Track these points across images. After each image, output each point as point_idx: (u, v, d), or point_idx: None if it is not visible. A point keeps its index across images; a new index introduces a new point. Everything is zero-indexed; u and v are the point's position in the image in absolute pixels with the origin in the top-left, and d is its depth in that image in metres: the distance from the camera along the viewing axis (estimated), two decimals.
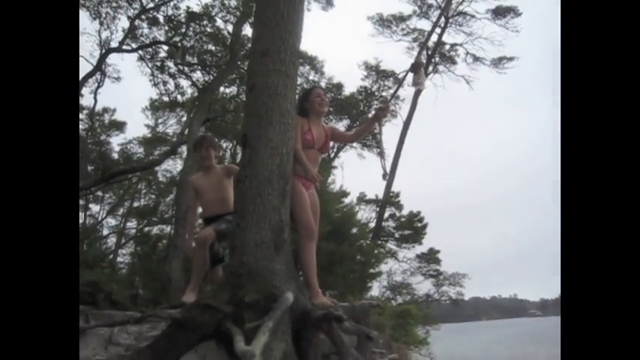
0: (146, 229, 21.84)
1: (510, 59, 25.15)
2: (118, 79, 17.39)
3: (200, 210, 5.34)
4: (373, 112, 4.61)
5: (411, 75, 4.66)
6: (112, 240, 24.28)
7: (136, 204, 25.13)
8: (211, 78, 15.95)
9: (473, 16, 24.81)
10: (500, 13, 24.43)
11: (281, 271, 3.45)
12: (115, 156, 23.07)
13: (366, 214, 21.61)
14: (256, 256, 3.43)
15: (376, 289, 21.67)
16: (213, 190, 4.87)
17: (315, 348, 3.58)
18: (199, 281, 4.64)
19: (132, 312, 4.29)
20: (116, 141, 25.01)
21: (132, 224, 24.71)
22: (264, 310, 3.16)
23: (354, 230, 12.06)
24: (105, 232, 25.22)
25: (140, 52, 15.74)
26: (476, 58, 25.17)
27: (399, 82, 4.35)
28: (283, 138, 3.74)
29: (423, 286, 25.32)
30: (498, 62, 25.22)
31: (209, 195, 4.90)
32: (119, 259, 22.63)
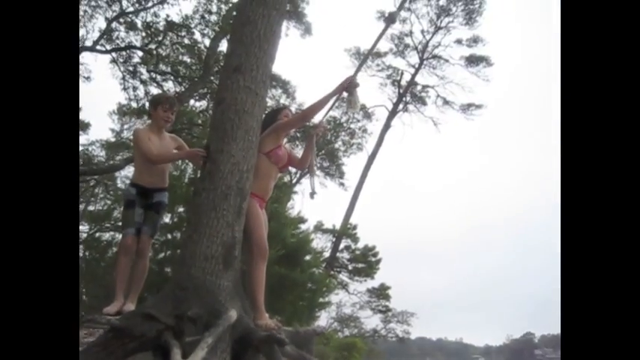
0: (97, 234, 21.15)
1: (479, 107, 25.99)
2: (88, 78, 17.05)
3: (134, 173, 4.92)
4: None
5: (345, 95, 4.30)
6: None
7: (90, 208, 24.34)
8: (182, 89, 15.82)
9: (447, 61, 25.68)
10: (473, 60, 25.31)
11: (227, 288, 3.41)
12: None
13: (321, 243, 21.59)
14: (204, 270, 3.38)
15: (324, 319, 21.60)
16: None
17: None
18: (123, 289, 4.48)
19: None
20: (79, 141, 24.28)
21: (84, 227, 23.95)
22: (206, 326, 3.10)
23: (308, 257, 12.00)
24: None
25: (114, 54, 15.52)
26: (446, 102, 25.98)
27: (334, 101, 4.29)
28: (245, 155, 3.73)
29: (371, 322, 25.40)
30: (467, 108, 26.04)
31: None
32: None
